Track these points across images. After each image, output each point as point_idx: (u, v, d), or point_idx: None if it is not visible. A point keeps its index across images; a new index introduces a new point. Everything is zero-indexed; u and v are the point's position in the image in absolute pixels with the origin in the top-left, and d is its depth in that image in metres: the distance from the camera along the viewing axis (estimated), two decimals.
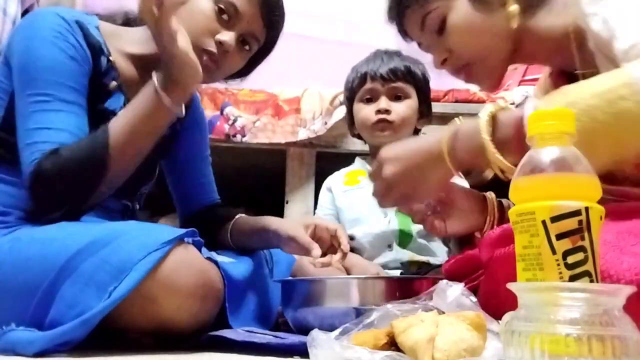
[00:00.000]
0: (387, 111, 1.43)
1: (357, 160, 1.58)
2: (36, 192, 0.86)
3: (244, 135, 1.89)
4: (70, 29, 0.94)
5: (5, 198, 0.93)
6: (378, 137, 1.44)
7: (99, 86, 0.97)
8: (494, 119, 0.76)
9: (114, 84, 0.99)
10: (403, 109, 1.44)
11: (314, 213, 1.91)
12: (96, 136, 0.87)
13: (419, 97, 1.48)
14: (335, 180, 1.56)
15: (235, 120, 1.89)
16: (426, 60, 1.51)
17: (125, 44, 1.02)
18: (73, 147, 0.85)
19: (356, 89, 1.48)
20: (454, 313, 0.62)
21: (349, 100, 1.53)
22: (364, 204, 1.45)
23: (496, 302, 0.70)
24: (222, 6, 0.97)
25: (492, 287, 0.75)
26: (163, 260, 0.78)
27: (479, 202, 0.99)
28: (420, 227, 1.39)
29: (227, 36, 0.98)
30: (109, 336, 0.81)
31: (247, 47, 1.03)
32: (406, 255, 1.40)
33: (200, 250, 0.86)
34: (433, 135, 0.82)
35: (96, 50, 0.97)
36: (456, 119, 0.84)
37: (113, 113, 0.97)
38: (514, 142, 0.73)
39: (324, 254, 1.02)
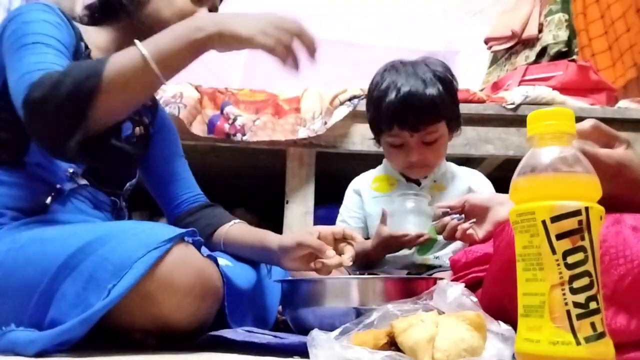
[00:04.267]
0: (419, 162, 1.36)
1: (385, 163, 1.50)
2: (29, 117, 0.82)
3: (244, 134, 1.88)
4: (56, 12, 0.97)
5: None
6: (412, 175, 1.42)
7: None
8: None
9: None
10: (435, 153, 1.37)
11: (314, 213, 1.92)
12: (92, 65, 0.82)
13: (448, 122, 1.37)
14: (363, 184, 1.50)
15: (235, 119, 1.89)
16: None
17: (100, 41, 1.06)
18: (68, 68, 0.82)
19: (383, 129, 1.36)
20: (454, 313, 0.62)
21: (376, 134, 1.42)
22: (400, 208, 1.38)
23: (511, 278, 0.70)
24: None
25: (507, 264, 0.74)
26: (162, 259, 0.78)
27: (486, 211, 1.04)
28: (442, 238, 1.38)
29: (204, 13, 1.06)
30: (111, 336, 0.81)
31: (216, 12, 1.11)
32: (420, 258, 1.38)
33: (199, 250, 0.86)
34: None
35: (78, 34, 0.99)
36: None
37: None
38: None
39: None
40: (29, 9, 0.95)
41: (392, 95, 1.30)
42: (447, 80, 1.34)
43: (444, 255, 1.39)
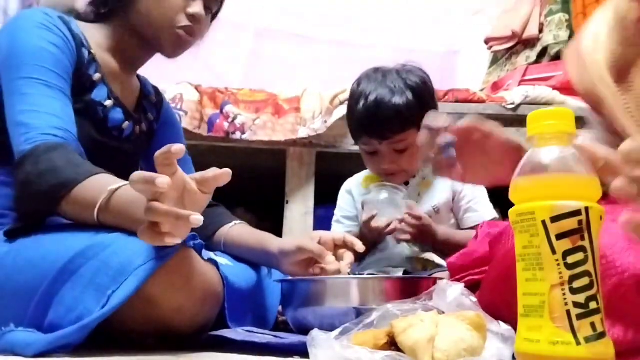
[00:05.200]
0: (390, 169, 1.38)
1: None
2: (16, 179, 0.87)
3: (243, 132, 1.88)
4: (54, 22, 0.97)
5: (2, 200, 0.93)
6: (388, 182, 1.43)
7: (84, 77, 1.00)
8: None
9: (97, 75, 1.02)
10: (408, 160, 1.38)
11: (314, 213, 1.92)
12: (63, 179, 0.83)
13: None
14: (354, 184, 1.54)
15: (235, 118, 1.89)
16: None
17: (101, 38, 1.06)
18: (51, 160, 0.83)
19: (355, 136, 1.42)
20: (454, 313, 0.62)
21: (352, 134, 1.46)
22: (386, 203, 1.42)
23: (508, 287, 0.70)
24: None
25: (505, 271, 0.74)
26: (164, 264, 0.77)
27: (513, 154, 0.86)
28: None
29: (197, 7, 1.04)
30: (110, 336, 0.81)
31: (210, 10, 1.10)
32: (413, 252, 1.39)
33: (200, 253, 0.86)
34: None
35: (78, 42, 1.00)
36: None
37: (100, 104, 1.02)
38: None
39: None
40: (27, 22, 0.95)
41: (360, 104, 1.34)
42: (418, 89, 1.35)
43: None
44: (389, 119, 1.31)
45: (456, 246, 1.19)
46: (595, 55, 0.83)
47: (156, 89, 1.25)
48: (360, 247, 1.03)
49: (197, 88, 1.93)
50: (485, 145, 0.90)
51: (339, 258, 1.01)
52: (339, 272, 0.98)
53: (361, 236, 1.33)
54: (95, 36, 1.06)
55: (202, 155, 2.02)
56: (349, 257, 1.01)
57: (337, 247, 1.03)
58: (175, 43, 1.05)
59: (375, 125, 1.33)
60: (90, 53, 1.02)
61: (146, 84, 1.21)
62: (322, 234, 1.04)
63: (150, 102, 1.20)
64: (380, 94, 1.32)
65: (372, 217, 1.32)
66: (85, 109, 0.99)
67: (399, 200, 1.36)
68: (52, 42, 0.94)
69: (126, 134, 1.09)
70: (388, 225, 1.32)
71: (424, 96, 1.36)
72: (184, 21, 1.04)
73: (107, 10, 1.07)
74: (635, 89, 0.79)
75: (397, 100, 1.32)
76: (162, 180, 0.67)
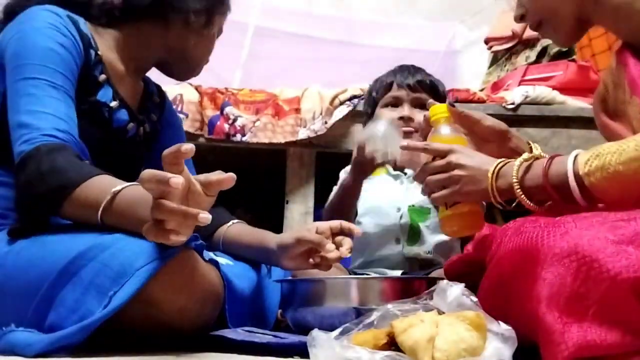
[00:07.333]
0: (410, 119, 1.42)
1: None
2: (17, 181, 0.87)
3: (243, 135, 1.88)
4: (62, 22, 0.97)
5: (2, 200, 0.94)
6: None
7: (89, 78, 1.00)
8: (528, 167, 0.85)
9: (102, 77, 1.02)
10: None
11: (314, 213, 1.92)
12: (65, 180, 0.83)
13: None
14: None
15: (235, 120, 1.89)
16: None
17: (110, 41, 1.07)
18: (52, 163, 0.83)
19: (380, 96, 1.50)
20: (454, 313, 0.62)
21: (371, 107, 1.53)
22: (381, 196, 1.45)
23: (502, 296, 0.70)
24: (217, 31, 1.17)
25: (497, 280, 0.74)
26: (164, 265, 0.77)
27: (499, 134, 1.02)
28: (429, 223, 1.41)
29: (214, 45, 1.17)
30: (110, 336, 0.81)
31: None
32: (412, 251, 1.39)
33: (201, 254, 0.86)
34: (493, 160, 0.90)
35: (86, 43, 1.00)
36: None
37: (105, 105, 1.02)
38: (541, 188, 0.82)
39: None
40: (36, 22, 0.95)
41: (392, 70, 1.52)
42: (442, 89, 1.52)
43: (432, 245, 1.40)
44: (420, 72, 1.50)
45: None
46: (601, 104, 0.96)
47: (158, 87, 1.24)
48: (357, 232, 1.03)
49: (197, 88, 1.93)
50: (474, 127, 1.01)
51: (337, 245, 1.01)
52: (340, 259, 0.98)
53: (354, 164, 1.35)
54: (105, 38, 1.06)
55: (202, 154, 2.01)
56: (347, 242, 1.01)
57: (334, 234, 1.03)
58: (193, 75, 1.18)
59: (406, 72, 1.49)
60: (97, 54, 1.02)
61: (149, 83, 1.21)
62: (318, 224, 1.04)
63: (153, 102, 1.20)
64: (416, 67, 1.53)
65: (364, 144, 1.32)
66: (91, 110, 0.99)
67: (395, 134, 1.33)
68: (60, 43, 0.94)
69: (130, 135, 1.09)
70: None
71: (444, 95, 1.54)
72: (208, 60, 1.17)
73: (120, 17, 1.07)
74: (629, 121, 0.87)
75: (430, 76, 1.52)
76: (176, 180, 0.67)
